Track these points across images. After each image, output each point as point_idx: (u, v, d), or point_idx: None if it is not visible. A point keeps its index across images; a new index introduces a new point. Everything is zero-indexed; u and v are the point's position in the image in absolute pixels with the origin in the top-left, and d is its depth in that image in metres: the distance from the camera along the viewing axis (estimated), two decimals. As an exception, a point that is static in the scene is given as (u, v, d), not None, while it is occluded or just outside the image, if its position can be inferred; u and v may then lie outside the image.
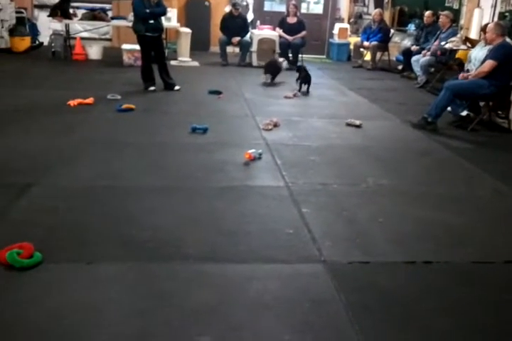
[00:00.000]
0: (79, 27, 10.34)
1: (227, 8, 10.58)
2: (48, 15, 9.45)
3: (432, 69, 8.60)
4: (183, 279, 2.56)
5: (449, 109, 6.13)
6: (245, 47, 10.01)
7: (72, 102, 5.95)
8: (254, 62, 10.10)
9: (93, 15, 9.58)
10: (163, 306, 2.34)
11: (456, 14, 9.08)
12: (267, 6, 12.66)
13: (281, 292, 2.51)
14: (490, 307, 2.49)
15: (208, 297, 2.42)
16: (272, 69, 8.12)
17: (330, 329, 2.25)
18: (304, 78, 7.62)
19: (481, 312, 2.45)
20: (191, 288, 2.49)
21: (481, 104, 6.22)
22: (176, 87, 7.21)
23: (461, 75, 5.92)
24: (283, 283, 2.58)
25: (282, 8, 12.27)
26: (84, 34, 10.27)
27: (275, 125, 5.55)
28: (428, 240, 3.12)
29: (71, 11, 9.71)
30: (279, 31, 10.14)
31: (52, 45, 9.42)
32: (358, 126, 5.72)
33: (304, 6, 12.56)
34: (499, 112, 6.26)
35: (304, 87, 7.65)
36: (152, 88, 7.13)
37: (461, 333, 2.28)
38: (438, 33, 8.71)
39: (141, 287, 2.48)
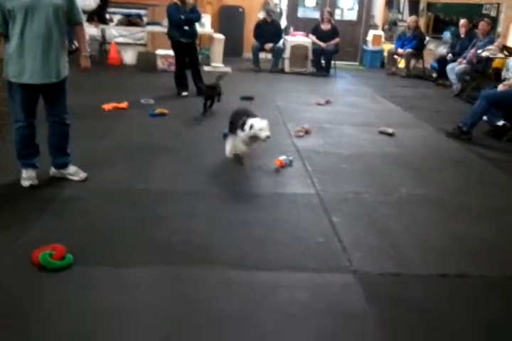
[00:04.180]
0: (114, 32, 10.49)
1: (261, 15, 10.61)
2: (85, 21, 9.63)
3: (468, 78, 8.45)
4: (211, 285, 2.56)
5: (484, 118, 6.01)
6: (278, 53, 10.02)
7: (107, 106, 6.04)
8: (287, 68, 10.09)
9: (129, 20, 9.72)
10: (190, 312, 2.33)
11: (493, 22, 8.91)
12: (301, 13, 12.65)
13: (309, 302, 2.48)
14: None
15: (235, 304, 2.41)
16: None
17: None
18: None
19: (517, 329, 2.37)
20: (219, 295, 2.48)
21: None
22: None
23: (501, 86, 5.77)
24: (311, 293, 2.55)
25: (316, 15, 12.24)
26: (120, 39, 10.43)
27: (306, 132, 5.52)
28: (462, 253, 3.05)
29: (107, 16, 9.88)
30: (312, 38, 10.11)
31: (89, 49, 9.58)
32: (391, 134, 5.65)
33: (337, 12, 12.51)
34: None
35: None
36: (185, 93, 7.18)
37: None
38: (474, 40, 8.56)
39: (169, 292, 2.48)
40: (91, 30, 9.58)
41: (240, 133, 4.18)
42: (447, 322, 2.38)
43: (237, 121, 4.29)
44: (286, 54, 10.04)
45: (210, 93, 6.25)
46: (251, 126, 4.05)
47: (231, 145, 4.39)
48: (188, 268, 2.70)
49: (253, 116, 4.29)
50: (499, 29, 9.17)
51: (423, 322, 2.37)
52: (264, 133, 4.02)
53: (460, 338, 2.28)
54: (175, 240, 2.97)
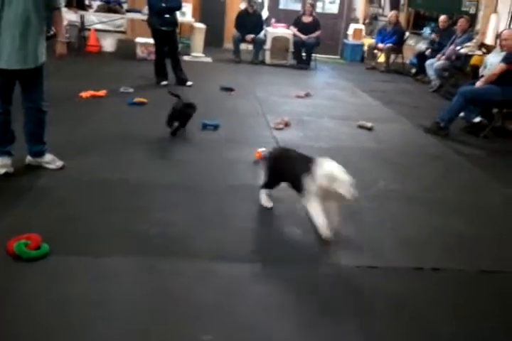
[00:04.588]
0: (94, 18, 10.34)
1: (243, 5, 10.56)
2: (64, 6, 9.46)
3: (446, 74, 8.55)
4: (190, 277, 2.55)
5: (461, 114, 6.09)
6: (259, 44, 9.98)
7: (85, 94, 5.96)
8: (268, 60, 10.08)
9: (108, 7, 9.57)
10: (169, 303, 2.33)
11: (472, 19, 9.01)
12: (282, 4, 12.61)
13: (288, 293, 2.49)
14: (497, 317, 2.47)
15: (214, 295, 2.41)
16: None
17: (336, 333, 2.24)
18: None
19: (489, 322, 2.42)
20: (198, 286, 2.48)
21: (494, 110, 6.17)
22: (188, 83, 7.19)
23: (479, 82, 5.85)
24: (290, 285, 2.57)
25: (297, 7, 12.23)
26: (99, 26, 10.28)
27: (286, 124, 5.52)
28: (437, 247, 3.10)
29: (86, 2, 9.71)
30: (293, 30, 10.10)
31: (67, 35, 9.42)
32: (370, 129, 5.69)
33: (319, 5, 12.50)
34: (512, 119, 6.21)
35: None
36: (164, 82, 7.12)
37: (468, 343, 2.27)
38: (453, 37, 8.65)
39: (147, 283, 2.47)
40: (70, 15, 9.42)
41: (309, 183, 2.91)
42: (423, 314, 2.42)
43: (289, 168, 3.11)
44: (267, 45, 10.02)
45: (186, 112, 4.83)
46: (330, 177, 2.81)
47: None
48: (166, 259, 2.69)
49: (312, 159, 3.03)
50: (478, 26, 9.28)
51: (399, 314, 2.40)
52: (350, 191, 2.82)
53: (435, 330, 2.32)
54: (153, 231, 2.95)
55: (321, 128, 5.65)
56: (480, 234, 3.35)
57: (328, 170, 2.84)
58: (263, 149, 4.39)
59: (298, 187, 3.02)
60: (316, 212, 2.94)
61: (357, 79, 9.19)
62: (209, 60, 9.77)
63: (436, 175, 4.49)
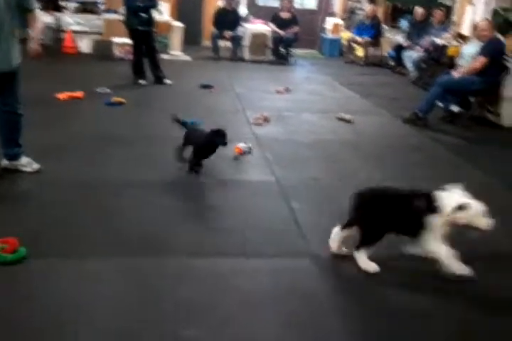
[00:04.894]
0: (70, 20, 10.23)
1: (220, 2, 10.52)
2: (40, 9, 9.36)
3: (424, 65, 8.60)
4: (171, 274, 2.55)
5: (440, 104, 6.14)
6: (237, 41, 9.97)
7: (62, 95, 5.90)
8: (247, 56, 10.06)
9: (84, 8, 9.50)
10: (151, 301, 2.32)
11: (448, 10, 9.08)
12: (260, 1, 12.59)
13: (269, 286, 2.50)
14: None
15: (196, 291, 2.41)
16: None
17: (317, 323, 2.25)
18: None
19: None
20: (179, 283, 2.47)
21: (472, 99, 6.23)
22: (168, 81, 7.16)
23: (455, 73, 5.90)
24: (271, 278, 2.57)
25: (275, 3, 12.20)
26: (75, 27, 10.18)
27: (265, 120, 5.52)
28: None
29: (63, 4, 9.62)
30: (271, 26, 10.10)
31: (43, 38, 9.31)
32: (349, 121, 5.71)
33: (297, 0, 12.50)
34: (489, 108, 6.27)
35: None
36: (142, 81, 7.08)
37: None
38: (430, 29, 8.72)
39: (129, 282, 2.46)
40: (46, 18, 9.31)
41: (433, 219, 2.52)
42: (400, 301, 2.44)
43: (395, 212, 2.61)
44: (246, 42, 10.00)
45: (212, 143, 3.76)
46: (461, 207, 2.48)
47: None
48: (147, 258, 2.68)
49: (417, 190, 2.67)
50: (454, 18, 9.35)
51: (380, 304, 2.42)
52: (486, 220, 2.50)
53: (415, 318, 2.34)
54: (132, 230, 2.94)
55: (301, 122, 5.65)
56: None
57: (459, 201, 2.49)
58: (242, 144, 4.39)
59: (413, 231, 2.58)
60: (446, 254, 2.56)
61: (336, 74, 9.21)
62: (188, 58, 9.73)
63: (417, 165, 4.51)
